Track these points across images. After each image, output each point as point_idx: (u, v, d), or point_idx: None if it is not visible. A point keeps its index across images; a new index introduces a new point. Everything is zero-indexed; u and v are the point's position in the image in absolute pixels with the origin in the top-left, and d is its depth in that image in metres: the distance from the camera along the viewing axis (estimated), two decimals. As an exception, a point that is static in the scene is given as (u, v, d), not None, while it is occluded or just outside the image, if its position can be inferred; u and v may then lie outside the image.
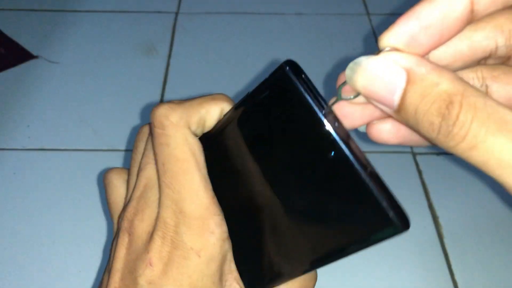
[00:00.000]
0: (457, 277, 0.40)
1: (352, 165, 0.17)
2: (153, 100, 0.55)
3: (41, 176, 0.47)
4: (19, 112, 0.53)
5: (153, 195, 0.21)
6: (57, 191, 0.45)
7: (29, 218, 0.43)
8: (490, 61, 0.18)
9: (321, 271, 0.22)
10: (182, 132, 0.20)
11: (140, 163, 0.22)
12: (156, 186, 0.21)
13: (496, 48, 0.17)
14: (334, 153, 0.17)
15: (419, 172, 0.48)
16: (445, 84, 0.15)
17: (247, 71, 0.60)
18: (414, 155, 0.50)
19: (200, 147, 0.21)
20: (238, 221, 0.20)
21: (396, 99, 0.16)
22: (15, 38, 0.62)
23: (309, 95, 0.17)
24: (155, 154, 0.21)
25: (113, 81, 0.58)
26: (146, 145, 0.22)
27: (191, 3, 0.71)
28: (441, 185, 0.47)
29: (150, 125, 0.21)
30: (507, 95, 0.18)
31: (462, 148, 0.14)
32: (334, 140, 0.17)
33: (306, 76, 0.18)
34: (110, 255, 0.22)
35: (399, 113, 0.16)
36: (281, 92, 0.19)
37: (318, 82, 0.58)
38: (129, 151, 0.49)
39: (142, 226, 0.21)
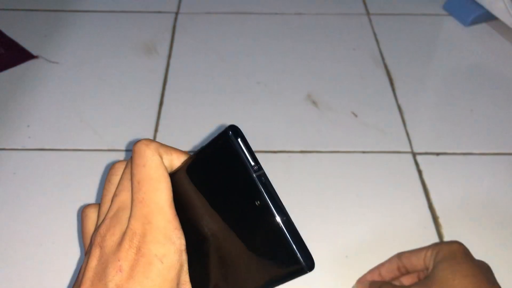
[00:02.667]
0: (457, 277, 0.40)
1: (271, 212, 0.22)
2: (153, 100, 0.55)
3: (41, 176, 0.47)
4: (19, 112, 0.53)
5: (125, 214, 0.25)
6: (57, 191, 0.45)
7: (29, 218, 0.43)
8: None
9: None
10: (157, 158, 0.24)
11: (115, 190, 0.26)
12: (128, 207, 0.25)
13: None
14: (259, 202, 0.22)
15: (419, 172, 0.48)
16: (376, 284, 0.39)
17: (247, 71, 0.60)
18: (414, 155, 0.50)
19: (167, 171, 0.25)
20: (192, 242, 0.24)
21: None
22: (15, 38, 0.63)
23: (245, 156, 0.23)
24: (132, 174, 0.25)
25: (113, 81, 0.58)
26: (122, 176, 0.26)
27: (191, 3, 0.71)
28: (441, 185, 0.47)
29: (132, 154, 0.25)
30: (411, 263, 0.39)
31: None
32: (260, 192, 0.22)
33: (245, 139, 0.23)
34: (80, 271, 0.25)
35: None
36: (224, 150, 0.23)
37: (318, 82, 0.58)
38: (129, 151, 0.49)
39: (113, 239, 0.24)
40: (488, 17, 0.66)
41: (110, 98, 0.55)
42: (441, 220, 0.44)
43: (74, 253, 0.41)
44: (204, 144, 0.24)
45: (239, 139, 0.23)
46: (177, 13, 0.69)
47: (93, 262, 0.24)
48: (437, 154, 0.50)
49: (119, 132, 0.51)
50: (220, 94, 0.56)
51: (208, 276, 0.25)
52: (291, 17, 0.69)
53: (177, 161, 0.26)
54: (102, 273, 0.24)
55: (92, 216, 0.28)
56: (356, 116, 0.54)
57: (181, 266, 0.24)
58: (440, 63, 0.62)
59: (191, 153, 0.26)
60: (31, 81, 0.57)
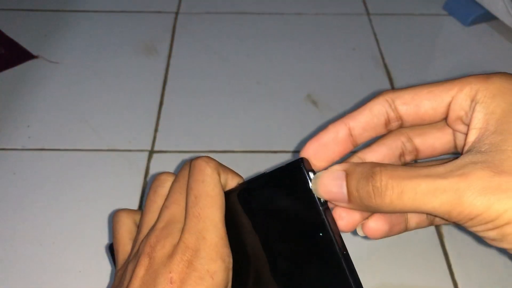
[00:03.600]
0: (457, 277, 0.40)
1: (333, 245, 0.23)
2: (153, 100, 0.55)
3: (41, 176, 0.47)
4: (19, 112, 0.53)
5: (176, 227, 0.25)
6: (57, 191, 0.45)
7: (29, 218, 0.43)
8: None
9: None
10: (216, 176, 0.25)
11: (166, 202, 0.26)
12: (180, 221, 0.25)
13: (404, 147, 0.25)
14: (322, 234, 0.23)
15: (419, 172, 0.48)
16: (368, 166, 0.22)
17: (247, 71, 0.60)
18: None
19: (223, 192, 0.26)
20: (235, 262, 0.25)
21: (344, 191, 0.22)
22: (15, 38, 0.62)
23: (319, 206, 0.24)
24: (189, 188, 0.25)
25: (113, 81, 0.58)
26: (171, 188, 0.27)
27: (191, 3, 0.71)
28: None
29: (190, 166, 0.26)
30: (427, 143, 0.25)
31: (392, 198, 0.20)
32: (324, 225, 0.23)
33: (314, 173, 0.24)
34: (118, 277, 0.26)
35: (350, 201, 0.22)
36: (293, 181, 0.24)
37: (318, 82, 0.58)
38: (129, 151, 0.49)
39: (163, 251, 0.25)
40: (488, 17, 0.66)
41: (110, 98, 0.55)
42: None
43: (74, 253, 0.41)
44: (267, 171, 0.25)
45: (310, 173, 0.24)
46: (177, 13, 0.69)
47: (141, 271, 0.25)
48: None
49: (119, 132, 0.51)
50: (220, 94, 0.56)
51: None
52: (291, 17, 0.69)
53: (231, 181, 0.27)
54: (151, 283, 0.24)
55: (127, 222, 0.29)
56: (356, 116, 0.54)
57: (227, 283, 0.25)
58: (440, 63, 0.62)
59: (246, 179, 0.27)
60: (31, 81, 0.57)
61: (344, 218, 0.24)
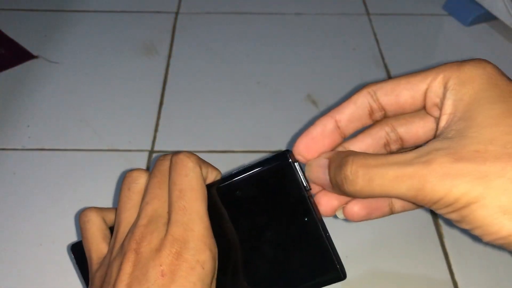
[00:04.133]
0: (457, 277, 0.40)
1: (318, 228, 0.26)
2: (153, 100, 0.55)
3: (41, 176, 0.47)
4: (19, 112, 0.53)
5: (160, 222, 0.25)
6: (57, 191, 0.45)
7: (29, 218, 0.43)
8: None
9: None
10: (198, 169, 0.26)
11: (146, 198, 0.26)
12: (163, 216, 0.26)
13: (388, 137, 0.26)
14: (307, 219, 0.26)
15: (419, 172, 0.48)
16: (342, 155, 0.23)
17: (247, 71, 0.60)
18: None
19: (205, 186, 0.26)
20: (219, 255, 0.26)
21: (327, 177, 0.24)
22: (15, 38, 0.62)
23: (301, 178, 0.26)
24: (172, 183, 0.26)
25: (113, 81, 0.58)
26: (150, 184, 0.27)
27: (191, 3, 0.71)
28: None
29: (171, 161, 0.27)
30: (411, 131, 0.25)
31: (362, 185, 0.22)
32: (310, 210, 0.26)
33: (299, 164, 0.26)
34: (106, 276, 0.26)
35: (334, 186, 0.24)
36: (280, 171, 0.26)
37: (318, 82, 0.58)
38: (129, 151, 0.49)
39: (150, 246, 0.25)
40: (488, 17, 0.66)
41: (110, 98, 0.55)
42: (441, 220, 0.44)
43: (74, 253, 0.41)
44: (250, 164, 0.27)
45: (296, 163, 0.26)
46: (177, 13, 0.69)
47: (128, 267, 0.24)
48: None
49: (119, 132, 0.51)
50: (220, 94, 0.56)
51: (234, 284, 0.27)
52: (291, 17, 0.69)
53: (210, 175, 0.28)
54: (142, 278, 0.24)
55: (97, 221, 0.28)
56: (356, 116, 0.54)
57: (214, 273, 0.25)
58: (440, 63, 0.62)
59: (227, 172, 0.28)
60: (31, 81, 0.57)
61: (323, 204, 0.26)
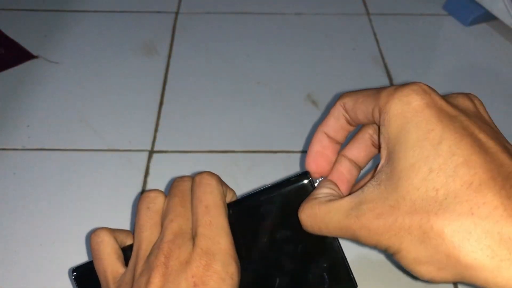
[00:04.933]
0: None
1: (337, 247, 0.28)
2: (153, 100, 0.55)
3: (41, 176, 0.47)
4: (19, 112, 0.53)
5: (186, 238, 0.26)
6: (57, 191, 0.45)
7: (29, 218, 0.43)
8: None
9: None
10: (221, 188, 0.28)
11: (169, 216, 0.27)
12: (188, 232, 0.26)
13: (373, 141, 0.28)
14: (328, 239, 0.28)
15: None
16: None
17: (247, 71, 0.60)
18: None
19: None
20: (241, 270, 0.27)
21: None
22: (15, 38, 0.63)
23: None
24: (198, 200, 0.27)
25: (113, 81, 0.58)
26: (171, 203, 0.28)
27: (191, 3, 0.71)
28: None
29: (194, 181, 0.28)
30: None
31: (314, 231, 0.26)
32: None
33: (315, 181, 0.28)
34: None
35: None
36: (299, 191, 0.28)
37: (318, 82, 0.58)
38: (129, 151, 0.49)
39: (179, 259, 0.25)
40: (488, 17, 0.66)
41: (110, 98, 0.55)
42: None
43: (74, 253, 0.41)
44: (270, 184, 0.29)
45: (314, 181, 0.28)
46: (177, 13, 0.69)
47: (158, 281, 0.25)
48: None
49: (119, 132, 0.51)
50: (220, 94, 0.56)
51: None
52: (291, 17, 0.69)
53: (228, 194, 0.29)
54: (168, 273, 0.25)
55: (110, 241, 0.28)
56: (356, 116, 0.54)
57: (238, 285, 0.26)
58: (440, 63, 0.62)
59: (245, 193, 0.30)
60: (31, 81, 0.57)
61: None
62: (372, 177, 0.24)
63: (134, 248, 0.27)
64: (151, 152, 0.49)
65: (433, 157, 0.20)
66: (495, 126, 0.23)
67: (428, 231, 0.20)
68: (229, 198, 0.29)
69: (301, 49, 0.64)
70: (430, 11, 0.70)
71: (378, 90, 0.24)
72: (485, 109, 0.24)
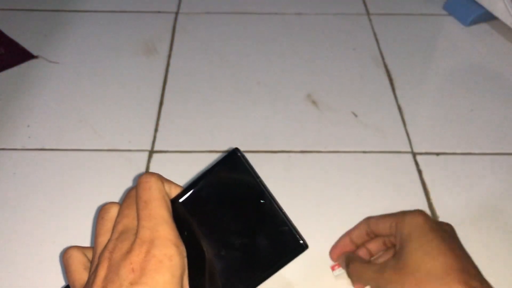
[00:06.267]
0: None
1: (273, 206, 0.29)
2: (153, 100, 0.55)
3: (41, 176, 0.47)
4: (19, 112, 0.53)
5: (131, 233, 0.28)
6: (57, 191, 0.45)
7: (29, 218, 0.43)
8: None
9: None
10: (160, 183, 0.30)
11: (117, 219, 0.29)
12: (133, 228, 0.28)
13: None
14: (263, 201, 0.29)
15: (419, 172, 0.48)
16: (350, 257, 0.40)
17: (247, 71, 0.60)
18: (414, 155, 0.50)
19: (168, 196, 0.30)
20: (189, 258, 0.28)
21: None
22: (15, 38, 0.63)
23: (251, 168, 0.29)
24: (138, 197, 0.29)
25: (113, 81, 0.58)
26: (120, 208, 0.30)
27: (191, 3, 0.71)
28: (441, 185, 0.47)
29: (137, 182, 0.30)
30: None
31: (356, 279, 0.39)
32: (264, 192, 0.29)
33: (247, 159, 0.29)
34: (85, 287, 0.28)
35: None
36: (233, 167, 0.29)
37: (318, 82, 0.58)
38: (129, 151, 0.49)
39: (121, 251, 0.27)
40: (488, 17, 0.66)
41: (110, 98, 0.55)
42: (441, 220, 0.44)
43: (74, 253, 0.41)
44: (204, 170, 0.30)
45: (245, 157, 0.29)
46: (177, 13, 0.69)
47: (102, 272, 0.27)
48: (437, 154, 0.50)
49: (119, 132, 0.51)
50: (220, 94, 0.56)
51: (205, 279, 0.29)
52: (291, 17, 0.69)
53: (174, 190, 0.31)
54: (114, 278, 0.26)
55: (78, 255, 0.31)
56: (356, 116, 0.54)
57: (183, 270, 0.27)
58: (440, 63, 0.62)
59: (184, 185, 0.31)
60: (31, 81, 0.57)
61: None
62: (392, 257, 0.37)
63: (92, 255, 0.30)
64: (151, 152, 0.49)
65: (427, 257, 0.34)
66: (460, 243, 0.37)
67: None
68: (176, 192, 0.31)
69: (301, 49, 0.64)
70: (430, 11, 0.71)
71: (393, 216, 0.38)
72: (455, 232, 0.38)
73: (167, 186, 0.31)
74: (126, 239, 0.28)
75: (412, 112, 0.55)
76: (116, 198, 0.45)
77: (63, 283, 0.39)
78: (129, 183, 0.46)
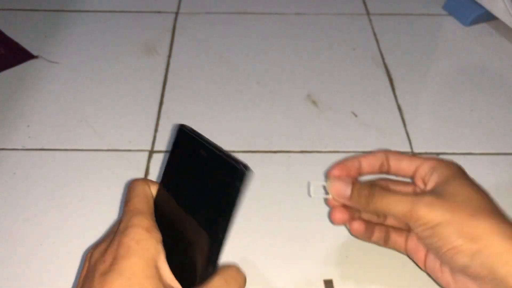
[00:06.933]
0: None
1: (210, 149, 0.29)
2: (153, 100, 0.55)
3: (41, 176, 0.47)
4: (19, 112, 0.53)
5: (112, 234, 0.30)
6: (57, 191, 0.45)
7: (29, 218, 0.43)
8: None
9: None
10: (141, 183, 0.32)
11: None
12: (116, 230, 0.30)
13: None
14: (204, 151, 0.30)
15: (419, 172, 0.48)
16: (368, 182, 0.37)
17: (247, 71, 0.60)
18: (414, 155, 0.50)
19: (151, 194, 0.32)
20: (167, 241, 0.29)
21: (348, 192, 0.36)
22: (15, 38, 0.63)
23: (192, 135, 0.31)
24: (125, 199, 0.32)
25: (113, 81, 0.58)
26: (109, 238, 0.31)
27: (191, 3, 0.71)
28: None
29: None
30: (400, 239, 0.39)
31: (377, 199, 0.34)
32: (202, 143, 0.30)
33: (191, 128, 0.32)
34: None
35: (350, 199, 0.36)
36: (183, 143, 0.32)
37: (318, 82, 0.58)
38: (129, 151, 0.49)
39: (100, 249, 0.29)
40: (488, 17, 0.66)
41: (110, 98, 0.55)
42: None
43: (74, 253, 0.41)
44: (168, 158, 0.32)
45: (190, 128, 0.31)
46: (177, 13, 0.69)
47: (83, 273, 0.29)
48: (437, 154, 0.50)
49: (119, 132, 0.51)
50: (220, 94, 0.56)
51: (182, 259, 0.30)
52: (291, 17, 0.69)
53: (153, 186, 0.33)
54: (91, 273, 0.28)
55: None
56: (356, 116, 0.54)
57: (158, 253, 0.28)
58: (440, 63, 0.62)
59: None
60: (31, 81, 0.57)
61: (338, 216, 0.37)
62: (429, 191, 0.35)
63: None
64: (151, 152, 0.49)
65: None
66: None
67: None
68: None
69: (301, 49, 0.64)
70: (430, 11, 0.71)
71: (421, 157, 0.37)
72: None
73: (153, 188, 0.33)
74: (106, 239, 0.30)
75: (412, 112, 0.55)
76: (116, 198, 0.45)
77: (63, 283, 0.39)
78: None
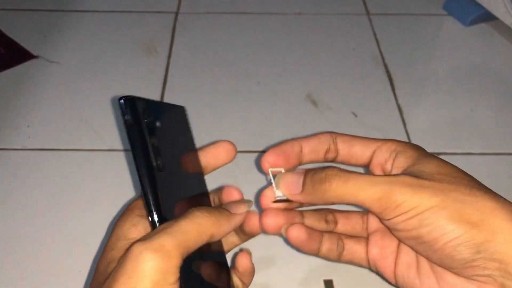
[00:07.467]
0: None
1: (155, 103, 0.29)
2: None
3: (41, 176, 0.47)
4: (19, 112, 0.53)
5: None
6: (57, 191, 0.45)
7: (29, 218, 0.43)
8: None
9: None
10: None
11: None
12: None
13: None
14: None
15: (419, 172, 0.48)
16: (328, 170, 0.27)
17: (247, 71, 0.60)
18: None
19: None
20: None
21: (300, 183, 0.27)
22: (15, 38, 0.63)
23: (142, 102, 0.28)
24: None
25: (113, 81, 0.58)
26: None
27: (191, 3, 0.71)
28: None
29: None
30: (350, 223, 0.32)
31: (339, 183, 0.26)
32: (159, 103, 0.30)
33: (133, 97, 0.28)
34: None
35: (303, 191, 0.27)
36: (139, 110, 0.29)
37: (318, 82, 0.58)
38: (129, 151, 0.49)
39: (104, 264, 0.27)
40: (488, 17, 0.66)
41: (110, 98, 0.55)
42: None
43: (74, 253, 0.41)
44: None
45: (132, 98, 0.28)
46: (177, 13, 0.69)
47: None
48: (437, 154, 0.50)
49: (119, 132, 0.51)
50: (220, 94, 0.56)
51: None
52: (291, 17, 0.69)
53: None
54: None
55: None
56: (356, 116, 0.54)
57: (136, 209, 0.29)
58: (440, 63, 0.62)
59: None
60: (31, 81, 0.57)
61: (270, 222, 0.29)
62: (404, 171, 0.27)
63: None
64: (151, 152, 0.49)
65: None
66: None
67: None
68: None
69: (301, 49, 0.64)
70: (430, 11, 0.71)
71: (377, 139, 0.30)
72: None
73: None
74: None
75: (412, 112, 0.55)
76: (116, 198, 0.45)
77: (63, 283, 0.39)
78: (129, 183, 0.46)
